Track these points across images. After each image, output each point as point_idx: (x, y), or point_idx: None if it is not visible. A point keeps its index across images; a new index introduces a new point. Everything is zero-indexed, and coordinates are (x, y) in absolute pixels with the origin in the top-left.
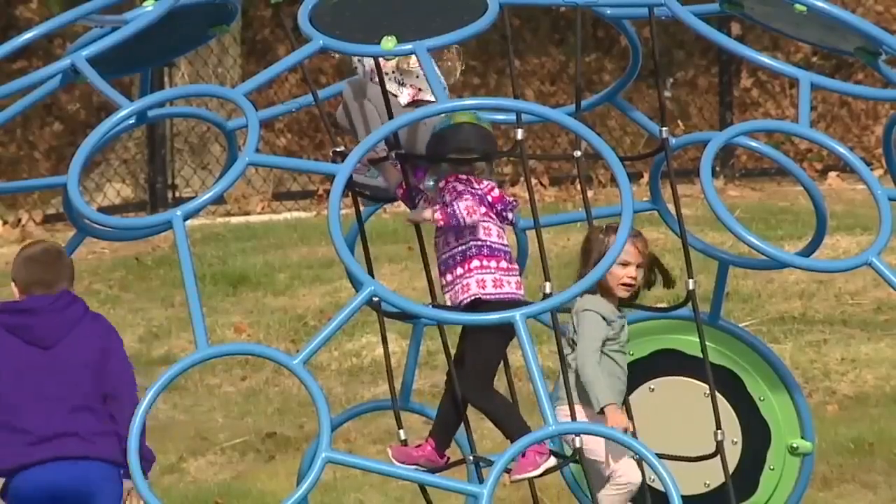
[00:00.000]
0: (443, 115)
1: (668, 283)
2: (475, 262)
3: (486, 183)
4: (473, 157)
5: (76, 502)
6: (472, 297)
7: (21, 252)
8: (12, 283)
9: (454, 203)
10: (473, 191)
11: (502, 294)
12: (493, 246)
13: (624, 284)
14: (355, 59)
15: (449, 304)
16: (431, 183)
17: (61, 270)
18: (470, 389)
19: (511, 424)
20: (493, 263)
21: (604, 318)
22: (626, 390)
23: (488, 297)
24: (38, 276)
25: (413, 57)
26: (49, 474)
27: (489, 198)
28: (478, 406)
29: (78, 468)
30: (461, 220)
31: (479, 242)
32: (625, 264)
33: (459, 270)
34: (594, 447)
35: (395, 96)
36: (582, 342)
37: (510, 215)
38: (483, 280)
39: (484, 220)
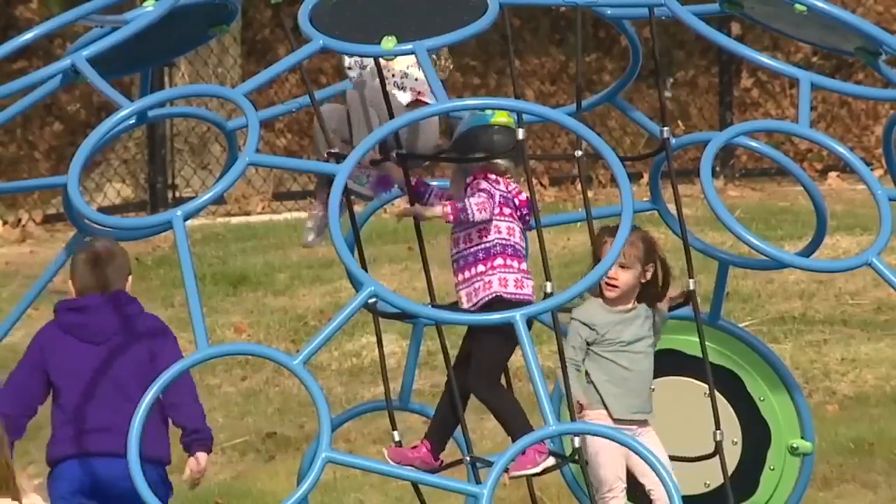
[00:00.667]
0: (470, 113)
1: (664, 288)
2: (499, 261)
3: (513, 186)
4: (473, 157)
5: (116, 498)
6: (493, 295)
7: (76, 255)
8: (69, 283)
9: (467, 199)
10: (501, 192)
11: (521, 295)
12: (517, 247)
13: (606, 284)
14: (348, 61)
15: (465, 301)
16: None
17: (112, 273)
18: (477, 386)
19: (515, 422)
20: (515, 264)
21: (584, 324)
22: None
23: (509, 296)
24: (89, 281)
25: (412, 61)
26: (87, 468)
27: (516, 200)
28: (484, 400)
29: (115, 465)
30: (471, 215)
31: (504, 241)
32: None
33: (481, 267)
34: (592, 463)
35: (393, 95)
36: (567, 355)
37: (531, 222)
38: (506, 279)
39: (509, 221)
